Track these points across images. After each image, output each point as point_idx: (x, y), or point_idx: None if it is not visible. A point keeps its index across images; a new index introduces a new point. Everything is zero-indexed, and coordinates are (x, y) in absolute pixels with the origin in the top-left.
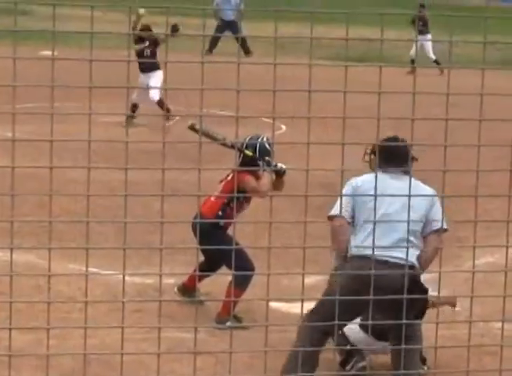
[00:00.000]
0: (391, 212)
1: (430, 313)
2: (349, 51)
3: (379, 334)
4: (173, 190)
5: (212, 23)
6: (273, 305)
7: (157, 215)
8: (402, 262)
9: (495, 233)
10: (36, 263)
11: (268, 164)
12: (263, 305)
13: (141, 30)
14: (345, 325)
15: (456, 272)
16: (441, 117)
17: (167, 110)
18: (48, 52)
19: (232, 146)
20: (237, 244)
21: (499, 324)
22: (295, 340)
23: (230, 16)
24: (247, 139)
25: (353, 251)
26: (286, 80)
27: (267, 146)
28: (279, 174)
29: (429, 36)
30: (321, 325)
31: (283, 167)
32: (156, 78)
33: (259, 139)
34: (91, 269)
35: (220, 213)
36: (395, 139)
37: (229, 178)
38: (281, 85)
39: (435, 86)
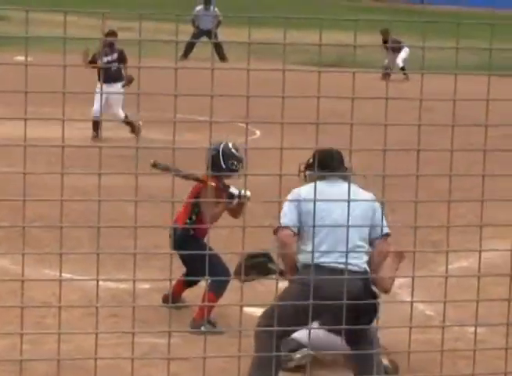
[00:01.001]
0: (336, 218)
1: (403, 317)
2: (324, 56)
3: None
4: (147, 196)
5: (187, 29)
6: (248, 310)
7: (132, 219)
8: (355, 268)
9: (470, 237)
10: (10, 268)
11: (231, 196)
12: (237, 310)
13: (107, 35)
14: (295, 330)
15: (430, 277)
16: (415, 121)
17: (134, 126)
18: (23, 58)
19: (195, 178)
20: (212, 250)
21: (474, 328)
22: (254, 345)
23: (208, 25)
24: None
25: (303, 260)
26: (262, 82)
27: (233, 151)
28: (242, 200)
29: (405, 49)
30: (275, 330)
31: (248, 194)
32: (116, 95)
33: (221, 146)
34: (65, 275)
35: (188, 221)
36: (329, 149)
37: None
38: (257, 88)
39: (410, 91)
